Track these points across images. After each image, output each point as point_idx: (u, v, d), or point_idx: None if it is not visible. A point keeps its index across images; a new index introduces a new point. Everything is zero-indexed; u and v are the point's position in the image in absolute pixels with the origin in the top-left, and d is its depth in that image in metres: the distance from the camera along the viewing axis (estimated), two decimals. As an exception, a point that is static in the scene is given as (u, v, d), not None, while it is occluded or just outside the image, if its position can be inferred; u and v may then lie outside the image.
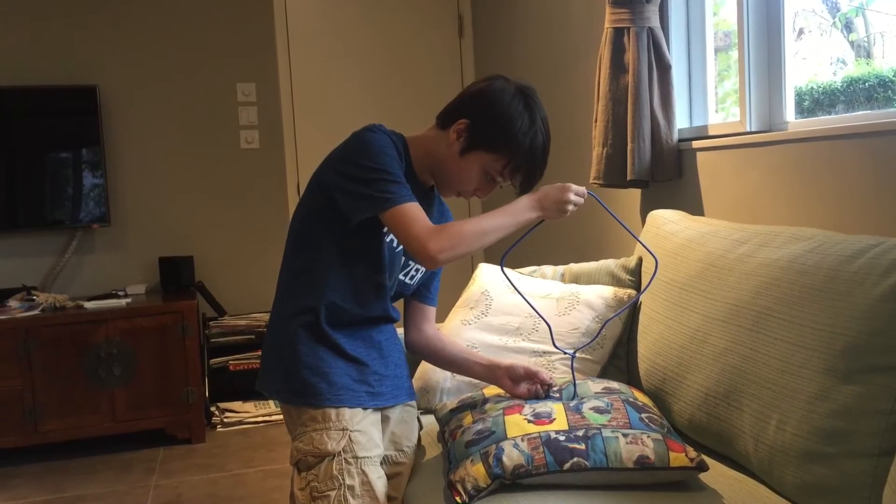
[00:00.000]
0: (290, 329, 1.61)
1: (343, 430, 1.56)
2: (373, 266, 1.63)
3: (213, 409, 3.84)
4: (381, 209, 1.50)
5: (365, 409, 1.62)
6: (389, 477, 1.67)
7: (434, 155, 1.64)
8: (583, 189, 1.60)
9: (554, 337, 1.82)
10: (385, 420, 1.70)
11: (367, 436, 1.59)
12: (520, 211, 1.56)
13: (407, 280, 1.74)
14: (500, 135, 1.57)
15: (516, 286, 1.85)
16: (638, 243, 2.25)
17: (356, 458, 1.56)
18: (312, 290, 1.60)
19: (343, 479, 1.54)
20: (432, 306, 1.86)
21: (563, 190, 1.57)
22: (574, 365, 1.87)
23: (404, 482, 1.73)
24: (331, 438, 1.55)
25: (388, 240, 1.63)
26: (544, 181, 1.65)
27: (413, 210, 1.50)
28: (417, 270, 1.76)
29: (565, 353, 1.81)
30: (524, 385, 1.71)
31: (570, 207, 1.57)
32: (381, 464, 1.64)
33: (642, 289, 2.00)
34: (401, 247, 1.66)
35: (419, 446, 1.81)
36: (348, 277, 1.60)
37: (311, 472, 1.57)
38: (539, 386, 1.70)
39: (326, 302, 1.60)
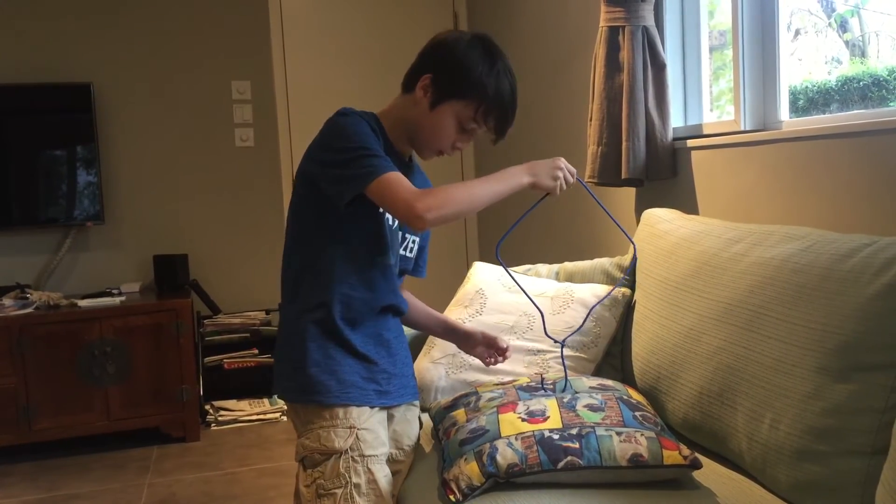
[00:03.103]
0: (299, 327, 1.60)
1: (350, 427, 1.56)
2: (376, 247, 1.63)
3: (207, 407, 3.84)
4: (364, 184, 1.48)
5: (372, 407, 1.62)
6: None
7: (407, 119, 1.64)
8: (573, 168, 1.62)
9: (546, 327, 1.83)
10: (389, 418, 1.70)
11: (373, 434, 1.59)
12: (510, 175, 1.56)
13: (407, 254, 1.74)
14: (464, 79, 1.57)
15: (511, 274, 1.85)
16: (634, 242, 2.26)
17: (363, 456, 1.56)
18: (320, 284, 1.59)
19: (349, 478, 1.54)
20: (419, 277, 1.86)
21: (553, 160, 1.60)
22: (564, 354, 1.88)
23: (401, 480, 1.74)
24: (338, 436, 1.55)
25: (386, 218, 1.63)
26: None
27: (396, 177, 1.49)
28: (414, 242, 1.76)
29: (555, 341, 1.81)
30: (481, 348, 1.84)
31: (560, 174, 1.58)
32: None
33: (623, 275, 1.98)
34: (396, 222, 1.66)
35: (417, 445, 1.82)
36: (354, 264, 1.60)
37: (316, 469, 1.57)
38: (496, 353, 1.83)
39: (337, 294, 1.59)
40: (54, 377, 3.39)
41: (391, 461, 1.71)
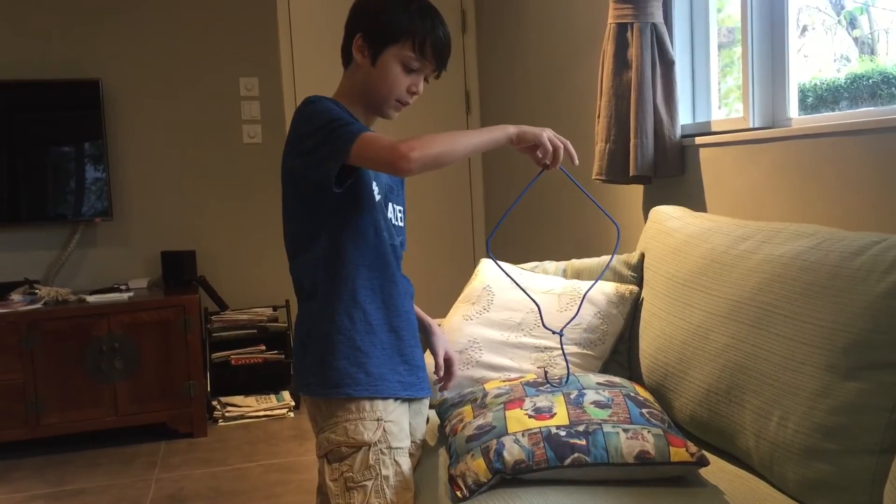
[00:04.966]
0: (324, 321, 1.60)
1: (378, 420, 1.57)
2: (378, 223, 1.63)
3: (214, 403, 3.85)
4: (345, 152, 1.47)
5: (396, 399, 1.62)
6: None
7: (357, 87, 1.66)
8: (563, 140, 1.58)
9: (549, 321, 1.82)
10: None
11: (398, 426, 1.60)
12: (496, 128, 1.55)
13: (397, 223, 1.73)
14: (390, 24, 1.61)
15: (501, 265, 1.84)
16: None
17: (390, 448, 1.57)
18: (339, 276, 1.59)
19: (379, 469, 1.56)
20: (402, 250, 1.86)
21: (541, 128, 1.58)
22: (570, 350, 1.86)
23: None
24: (366, 429, 1.56)
25: (374, 190, 1.63)
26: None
27: (372, 135, 1.49)
28: (401, 211, 1.75)
29: (553, 332, 1.79)
30: (443, 358, 1.86)
31: (546, 136, 1.55)
32: None
33: (611, 257, 1.94)
34: (380, 196, 1.65)
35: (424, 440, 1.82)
36: (366, 247, 1.60)
37: (344, 462, 1.57)
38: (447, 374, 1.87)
39: (358, 280, 1.59)
40: (62, 372, 3.40)
41: None
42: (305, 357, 1.64)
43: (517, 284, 1.79)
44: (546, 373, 1.75)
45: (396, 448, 1.58)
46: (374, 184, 1.63)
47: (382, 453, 1.56)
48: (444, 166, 1.51)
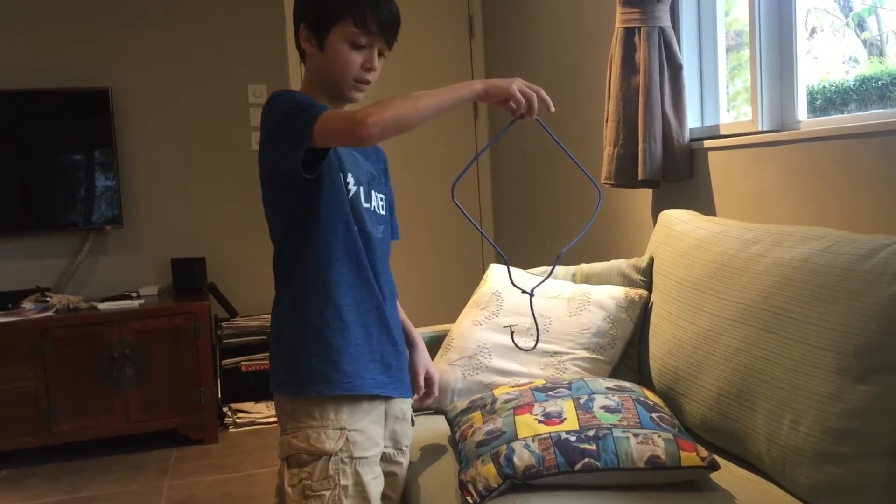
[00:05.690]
0: (296, 319, 1.58)
1: (341, 429, 1.54)
2: (351, 214, 1.60)
3: (225, 409, 3.86)
4: (308, 133, 1.44)
5: (372, 399, 1.59)
6: (386, 476, 1.64)
7: (316, 77, 1.66)
8: (535, 88, 1.53)
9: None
10: (387, 417, 1.66)
11: (364, 435, 1.57)
12: (460, 85, 1.50)
13: (379, 211, 1.70)
14: (326, 7, 1.59)
15: (468, 216, 1.81)
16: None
17: (352, 458, 1.54)
18: (311, 272, 1.57)
19: (338, 480, 1.53)
20: (395, 239, 1.83)
21: (510, 79, 1.53)
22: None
23: (401, 482, 1.72)
24: (328, 438, 1.53)
25: (348, 182, 1.62)
26: None
27: (331, 111, 1.47)
28: (381, 199, 1.72)
29: (523, 291, 1.73)
30: (423, 378, 1.85)
31: (516, 87, 1.49)
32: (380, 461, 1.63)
33: (591, 219, 1.89)
34: (357, 187, 1.63)
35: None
36: (335, 240, 1.58)
37: (303, 469, 1.54)
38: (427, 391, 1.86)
39: (331, 276, 1.57)
40: (74, 380, 3.42)
41: (388, 461, 1.68)
42: (279, 355, 1.61)
43: (493, 244, 1.72)
44: (512, 333, 1.71)
45: (359, 458, 1.55)
46: (350, 175, 1.61)
47: (343, 463, 1.53)
48: (408, 129, 1.44)
